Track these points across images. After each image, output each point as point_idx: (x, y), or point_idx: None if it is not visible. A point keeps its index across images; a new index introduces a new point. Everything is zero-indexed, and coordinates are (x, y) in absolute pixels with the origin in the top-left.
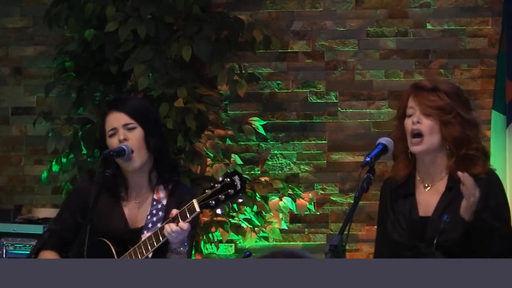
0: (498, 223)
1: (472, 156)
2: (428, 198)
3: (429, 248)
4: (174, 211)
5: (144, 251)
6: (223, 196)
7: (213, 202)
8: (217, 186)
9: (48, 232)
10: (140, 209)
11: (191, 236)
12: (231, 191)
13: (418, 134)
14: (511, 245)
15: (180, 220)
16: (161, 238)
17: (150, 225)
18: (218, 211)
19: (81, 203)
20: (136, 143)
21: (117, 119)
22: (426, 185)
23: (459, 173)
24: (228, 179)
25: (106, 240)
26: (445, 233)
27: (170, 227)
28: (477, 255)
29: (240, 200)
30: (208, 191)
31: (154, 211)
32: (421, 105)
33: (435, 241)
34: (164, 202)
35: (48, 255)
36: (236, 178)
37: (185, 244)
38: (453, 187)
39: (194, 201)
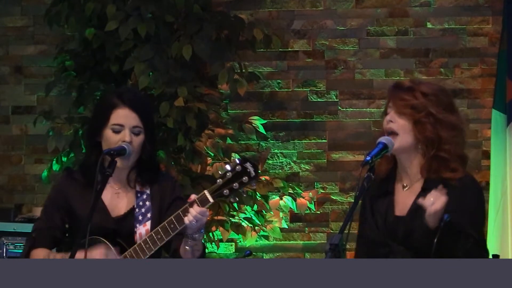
0: (469, 230)
1: (443, 159)
2: (405, 198)
3: (400, 247)
4: (193, 196)
5: (152, 246)
6: (237, 184)
7: (227, 191)
8: (229, 175)
9: (36, 232)
10: (120, 198)
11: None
12: (245, 178)
13: (391, 133)
14: (479, 253)
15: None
16: (171, 231)
17: (140, 217)
18: (232, 199)
19: (64, 201)
20: (137, 148)
21: (127, 117)
22: (405, 184)
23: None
24: (240, 167)
25: (101, 238)
26: (416, 233)
27: (194, 210)
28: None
29: (254, 187)
30: (220, 181)
31: (140, 203)
32: (396, 104)
33: (435, 240)
34: (148, 191)
35: (39, 253)
36: (248, 165)
37: (202, 231)
38: (428, 189)
39: (206, 192)
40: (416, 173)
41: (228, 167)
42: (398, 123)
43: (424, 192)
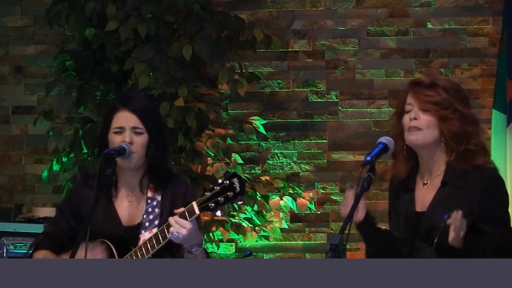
0: (494, 228)
1: (472, 151)
2: (425, 194)
3: (423, 243)
4: (179, 211)
5: (145, 253)
6: (222, 199)
7: (213, 204)
8: (216, 188)
9: (43, 234)
10: (133, 207)
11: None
12: (230, 193)
13: (415, 129)
14: (508, 249)
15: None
16: (161, 240)
17: (147, 223)
18: (218, 213)
19: (75, 207)
20: (139, 148)
21: (126, 119)
22: (425, 181)
23: (453, 214)
24: (227, 182)
25: (106, 241)
26: (442, 231)
27: (174, 220)
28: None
29: (239, 202)
30: (207, 194)
31: (149, 209)
32: (419, 100)
33: (435, 240)
34: (159, 198)
35: (40, 254)
36: (235, 180)
37: (198, 246)
38: (447, 182)
39: (194, 204)
40: (437, 168)
41: (220, 180)
42: (423, 119)
43: (444, 186)
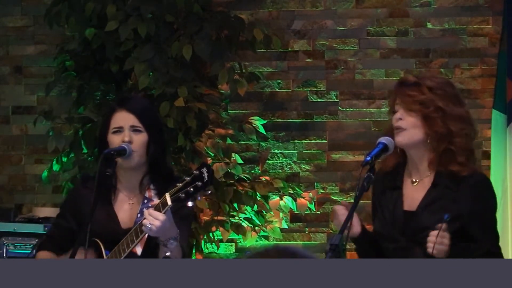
0: (481, 234)
1: (453, 152)
2: (414, 193)
3: (410, 243)
4: (154, 203)
5: (126, 248)
6: (192, 189)
7: (183, 195)
8: (187, 179)
9: (45, 236)
10: (133, 210)
11: (183, 231)
12: (199, 183)
13: (400, 130)
14: (493, 255)
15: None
16: (139, 233)
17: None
18: (190, 204)
19: (76, 208)
20: (139, 147)
21: (125, 119)
22: (414, 180)
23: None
24: (197, 172)
25: (97, 240)
26: (429, 229)
27: (145, 218)
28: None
29: (208, 192)
30: (179, 185)
31: (144, 209)
32: (404, 100)
33: (434, 241)
34: (155, 200)
35: (43, 255)
36: (204, 170)
37: (174, 240)
38: (438, 184)
39: (167, 195)
40: (426, 168)
41: (195, 172)
42: (408, 120)
43: (434, 187)
